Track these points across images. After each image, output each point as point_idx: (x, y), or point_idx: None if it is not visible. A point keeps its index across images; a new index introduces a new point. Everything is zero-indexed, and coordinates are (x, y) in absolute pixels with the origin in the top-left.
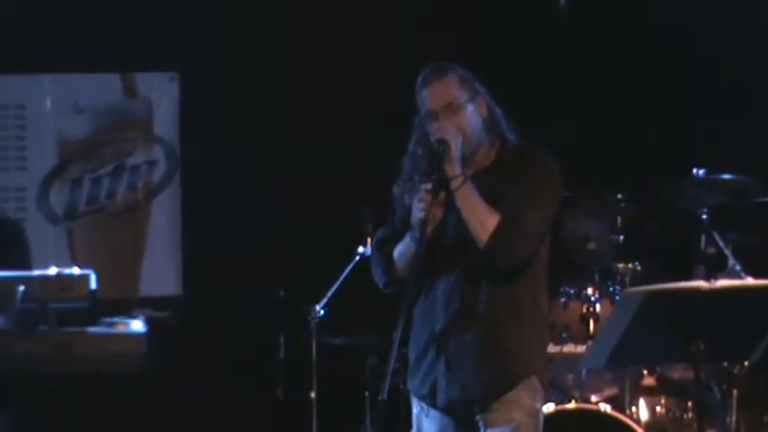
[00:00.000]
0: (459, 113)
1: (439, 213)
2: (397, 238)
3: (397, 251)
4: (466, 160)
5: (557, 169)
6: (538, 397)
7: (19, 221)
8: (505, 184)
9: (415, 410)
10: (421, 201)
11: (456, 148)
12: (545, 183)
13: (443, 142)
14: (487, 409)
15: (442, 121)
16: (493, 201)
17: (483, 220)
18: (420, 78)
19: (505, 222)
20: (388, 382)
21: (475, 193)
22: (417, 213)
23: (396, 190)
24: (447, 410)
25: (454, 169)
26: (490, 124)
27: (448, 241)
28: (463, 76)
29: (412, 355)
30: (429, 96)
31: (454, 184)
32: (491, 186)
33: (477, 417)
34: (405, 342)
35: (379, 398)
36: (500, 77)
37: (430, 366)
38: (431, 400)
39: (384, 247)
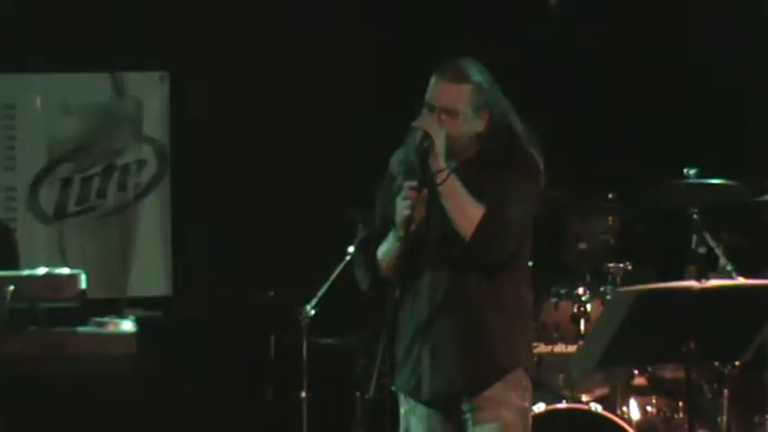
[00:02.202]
0: (452, 121)
1: (423, 211)
2: (379, 240)
3: (381, 251)
4: (447, 156)
5: (538, 163)
6: (526, 396)
7: (6, 222)
8: (487, 178)
9: (402, 410)
10: (405, 198)
11: (439, 143)
12: (528, 176)
13: (427, 137)
14: (475, 407)
15: (427, 118)
16: (476, 194)
17: (469, 214)
18: (440, 67)
19: (490, 216)
20: (374, 380)
21: (460, 187)
22: (403, 211)
23: (378, 192)
24: (433, 404)
25: (438, 163)
26: (486, 139)
27: (432, 236)
28: (480, 87)
29: (399, 351)
30: (435, 90)
31: (439, 178)
32: (473, 180)
33: (466, 416)
34: (392, 343)
35: (366, 396)
36: (494, 77)
37: (416, 361)
38: (416, 393)
39: (368, 249)
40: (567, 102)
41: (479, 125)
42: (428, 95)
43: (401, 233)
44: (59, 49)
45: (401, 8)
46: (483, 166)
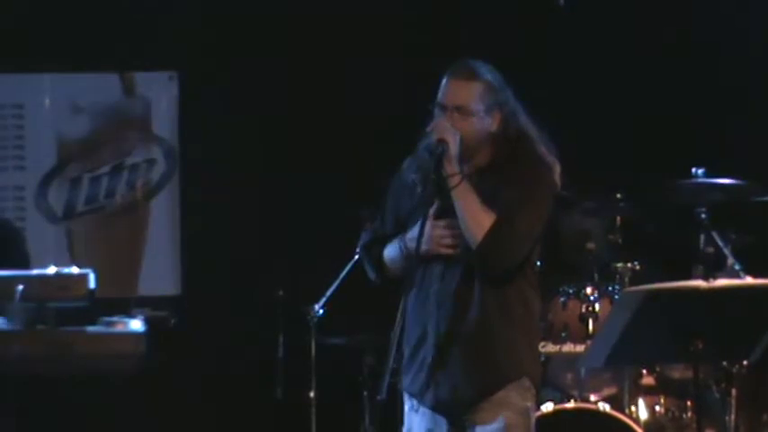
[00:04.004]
0: (465, 119)
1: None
2: (382, 241)
3: (388, 256)
4: (462, 161)
5: (552, 168)
6: (528, 396)
7: (15, 223)
8: (500, 186)
9: (406, 407)
10: (443, 235)
11: (454, 147)
12: (540, 183)
13: (442, 141)
14: (477, 408)
15: (441, 121)
16: (488, 201)
17: (479, 220)
18: (450, 68)
19: (500, 224)
20: (386, 381)
21: (472, 193)
22: (439, 248)
23: (389, 192)
24: (437, 410)
25: (452, 168)
26: (500, 139)
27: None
28: (491, 85)
29: (405, 352)
30: (447, 90)
31: (451, 182)
32: (487, 187)
33: (468, 416)
34: (401, 344)
35: (378, 397)
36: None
37: (421, 365)
38: (420, 398)
39: (372, 251)
40: (573, 100)
41: (492, 125)
42: (439, 96)
43: (413, 255)
44: (68, 49)
45: (401, 8)
46: (496, 172)
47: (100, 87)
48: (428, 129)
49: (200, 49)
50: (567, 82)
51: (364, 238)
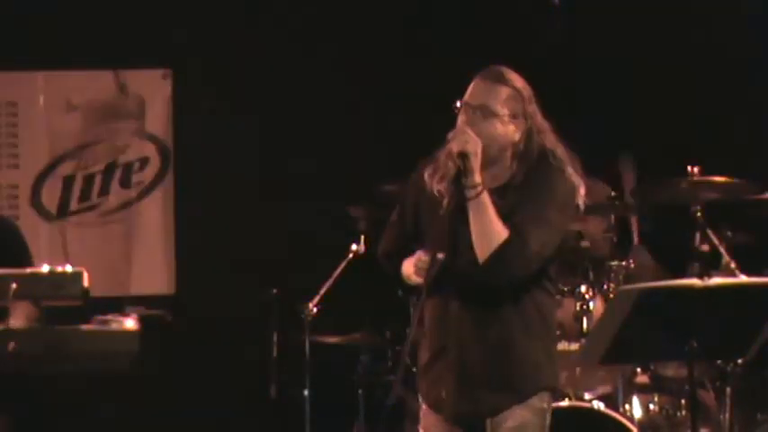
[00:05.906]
0: (487, 119)
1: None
2: (400, 250)
3: (405, 272)
4: (482, 169)
5: (575, 187)
6: (544, 397)
7: (12, 219)
8: (518, 203)
9: (423, 406)
10: (420, 267)
11: (476, 159)
12: (558, 205)
13: (463, 153)
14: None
15: (465, 131)
16: (506, 218)
17: (490, 236)
18: (481, 71)
19: (510, 244)
20: (396, 387)
21: (488, 207)
22: (415, 278)
23: (408, 198)
24: (454, 422)
25: (473, 179)
26: (521, 154)
27: (463, 258)
28: (519, 93)
29: (422, 358)
30: (473, 89)
31: (470, 194)
32: (506, 204)
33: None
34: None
35: (387, 402)
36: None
37: (438, 378)
38: (437, 408)
39: (391, 261)
40: (568, 99)
41: (515, 134)
42: (466, 96)
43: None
44: (62, 47)
45: (402, 8)
46: (517, 189)
47: (93, 85)
48: (450, 136)
49: (194, 46)
50: (564, 80)
51: (383, 245)
